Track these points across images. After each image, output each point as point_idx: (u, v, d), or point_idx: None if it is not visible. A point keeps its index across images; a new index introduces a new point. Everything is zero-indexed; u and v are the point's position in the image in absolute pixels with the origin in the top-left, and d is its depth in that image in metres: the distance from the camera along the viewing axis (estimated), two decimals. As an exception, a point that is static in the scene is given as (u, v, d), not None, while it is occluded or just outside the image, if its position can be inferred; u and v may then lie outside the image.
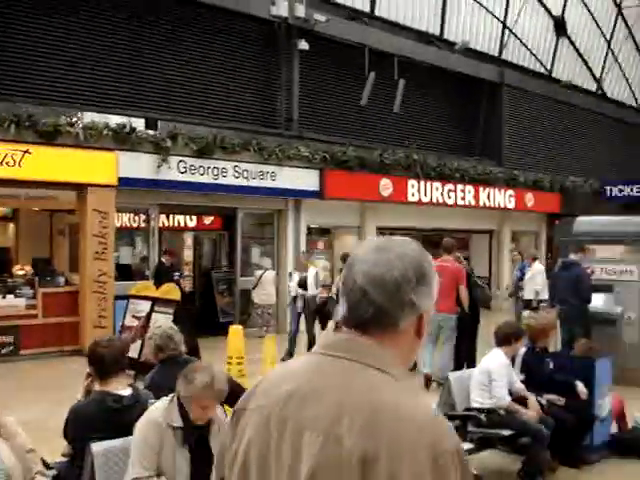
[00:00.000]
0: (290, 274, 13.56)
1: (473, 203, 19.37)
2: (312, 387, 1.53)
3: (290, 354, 12.11)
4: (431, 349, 10.75)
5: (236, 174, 14.28)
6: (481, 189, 19.54)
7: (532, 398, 6.38)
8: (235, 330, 9.94)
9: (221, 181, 14.11)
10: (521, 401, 6.33)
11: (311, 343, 12.42)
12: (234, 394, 4.87)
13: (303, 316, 12.58)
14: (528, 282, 14.17)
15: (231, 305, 15.69)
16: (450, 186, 18.61)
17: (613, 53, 28.38)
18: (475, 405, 6.34)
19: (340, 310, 1.62)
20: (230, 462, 1.61)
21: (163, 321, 7.63)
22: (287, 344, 12.30)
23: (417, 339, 1.61)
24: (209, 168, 13.94)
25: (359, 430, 1.43)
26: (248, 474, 1.56)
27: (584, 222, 11.79)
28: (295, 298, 12.67)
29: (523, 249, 15.71)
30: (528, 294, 14.13)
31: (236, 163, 14.29)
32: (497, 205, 20.18)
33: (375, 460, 1.39)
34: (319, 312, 12.50)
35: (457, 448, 1.45)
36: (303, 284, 12.46)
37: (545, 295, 14.24)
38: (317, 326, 12.56)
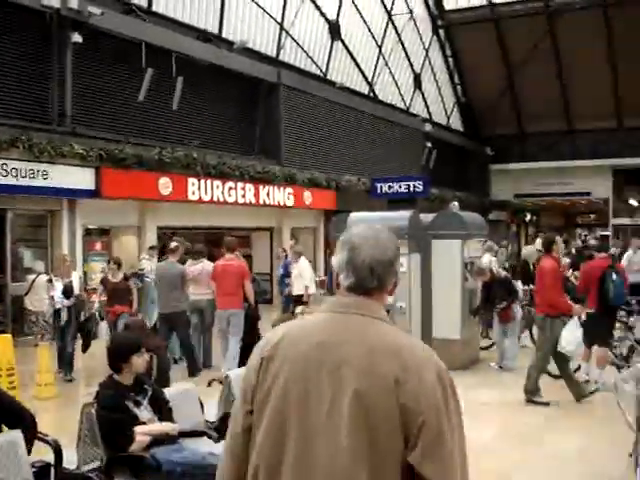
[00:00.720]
0: (50, 281, 11.52)
1: (253, 201, 19.64)
2: (339, 335, 2.09)
3: (65, 373, 11.01)
4: (226, 345, 11.03)
5: (4, 172, 13.39)
6: (261, 187, 19.86)
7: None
8: (3, 339, 9.38)
9: (-13, 180, 13.21)
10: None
11: (70, 359, 11.12)
12: (6, 410, 4.57)
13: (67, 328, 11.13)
14: (296, 278, 14.48)
15: (2, 313, 14.73)
16: (231, 184, 18.73)
17: (384, 58, 29.88)
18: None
19: (345, 282, 2.18)
20: (263, 398, 2.10)
21: None
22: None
23: (389, 295, 2.24)
24: (-27, 166, 13.00)
25: (388, 361, 2.00)
26: (287, 406, 2.05)
27: (356, 217, 12.33)
28: (59, 310, 11.06)
29: (292, 246, 16.01)
30: (297, 289, 14.45)
31: (4, 161, 13.40)
32: (277, 203, 20.61)
33: (405, 382, 1.97)
34: (82, 327, 11.27)
35: (445, 368, 2.07)
36: (69, 292, 11.10)
37: (314, 289, 14.75)
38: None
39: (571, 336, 8.91)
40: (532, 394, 9.20)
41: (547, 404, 9.12)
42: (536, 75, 33.03)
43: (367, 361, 2.00)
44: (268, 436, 2.07)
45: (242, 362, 10.65)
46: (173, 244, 11.80)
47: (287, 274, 15.01)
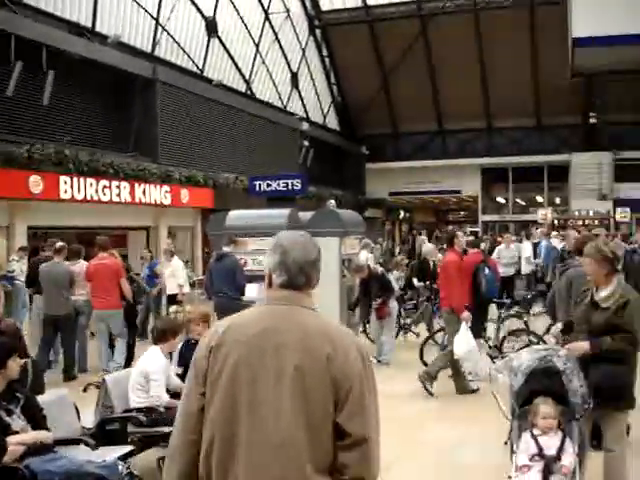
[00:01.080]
0: None
1: (129, 199, 19.16)
2: (277, 324, 2.52)
3: None
4: (106, 348, 10.79)
5: None
6: (137, 185, 19.41)
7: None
8: None
9: None
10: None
11: None
12: None
13: None
14: (170, 278, 14.30)
15: None
16: (105, 182, 18.19)
17: (261, 56, 29.89)
18: (134, 405, 6.27)
19: (277, 280, 2.59)
20: (214, 380, 2.48)
21: None
22: None
23: (312, 288, 2.66)
24: None
25: (321, 342, 2.46)
26: (237, 387, 2.45)
27: (235, 216, 12.30)
28: None
29: (168, 245, 15.74)
30: (171, 289, 14.29)
31: None
32: (153, 201, 20.20)
33: (335, 358, 2.44)
34: None
35: (365, 347, 2.60)
36: None
37: (188, 288, 14.65)
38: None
39: (463, 342, 9.16)
40: (428, 378, 9.40)
41: (432, 394, 9.36)
42: (409, 76, 33.95)
43: (303, 344, 2.45)
44: (221, 412, 2.45)
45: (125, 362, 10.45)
46: (59, 244, 11.45)
47: (153, 274, 14.74)
